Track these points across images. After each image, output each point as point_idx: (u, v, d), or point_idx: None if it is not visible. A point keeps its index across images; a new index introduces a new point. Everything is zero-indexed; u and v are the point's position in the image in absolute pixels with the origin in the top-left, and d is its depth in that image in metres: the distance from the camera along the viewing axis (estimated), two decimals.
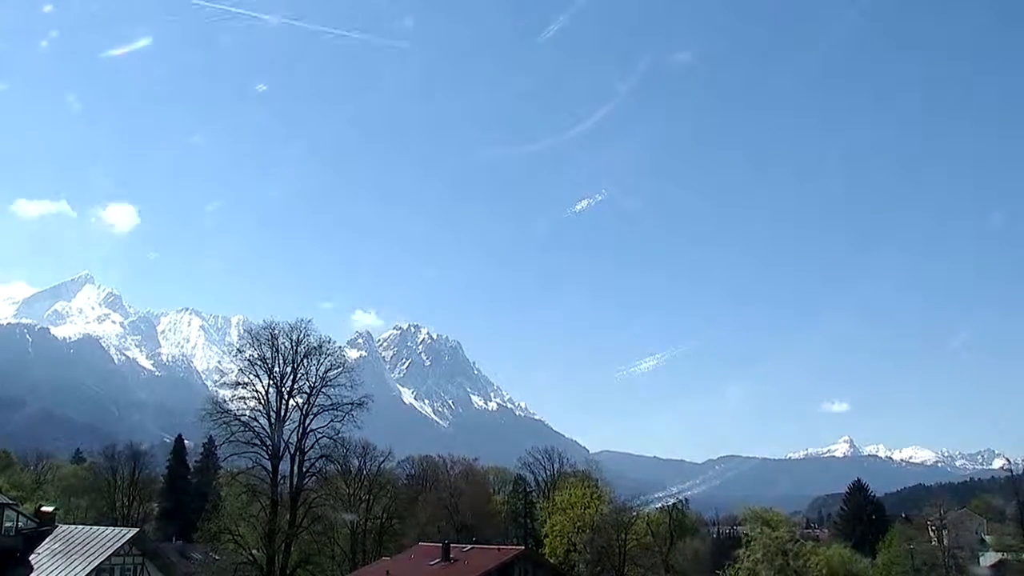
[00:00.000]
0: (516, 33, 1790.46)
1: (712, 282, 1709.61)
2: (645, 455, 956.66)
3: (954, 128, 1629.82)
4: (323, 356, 59.20)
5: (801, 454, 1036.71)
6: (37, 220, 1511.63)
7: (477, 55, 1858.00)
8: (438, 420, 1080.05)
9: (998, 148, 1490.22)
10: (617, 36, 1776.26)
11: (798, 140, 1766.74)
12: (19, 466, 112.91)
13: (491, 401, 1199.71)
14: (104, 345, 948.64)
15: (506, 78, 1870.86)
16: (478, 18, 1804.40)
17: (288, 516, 57.37)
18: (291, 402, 58.13)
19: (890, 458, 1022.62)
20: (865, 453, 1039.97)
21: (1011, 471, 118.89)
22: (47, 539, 44.98)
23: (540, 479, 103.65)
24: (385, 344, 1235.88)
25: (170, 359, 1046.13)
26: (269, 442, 56.90)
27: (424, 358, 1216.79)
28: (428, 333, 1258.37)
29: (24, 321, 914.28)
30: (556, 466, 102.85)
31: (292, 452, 57.77)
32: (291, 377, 57.95)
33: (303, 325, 59.08)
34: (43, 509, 50.64)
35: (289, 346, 58.03)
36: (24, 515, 47.89)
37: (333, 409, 58.24)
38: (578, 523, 76.08)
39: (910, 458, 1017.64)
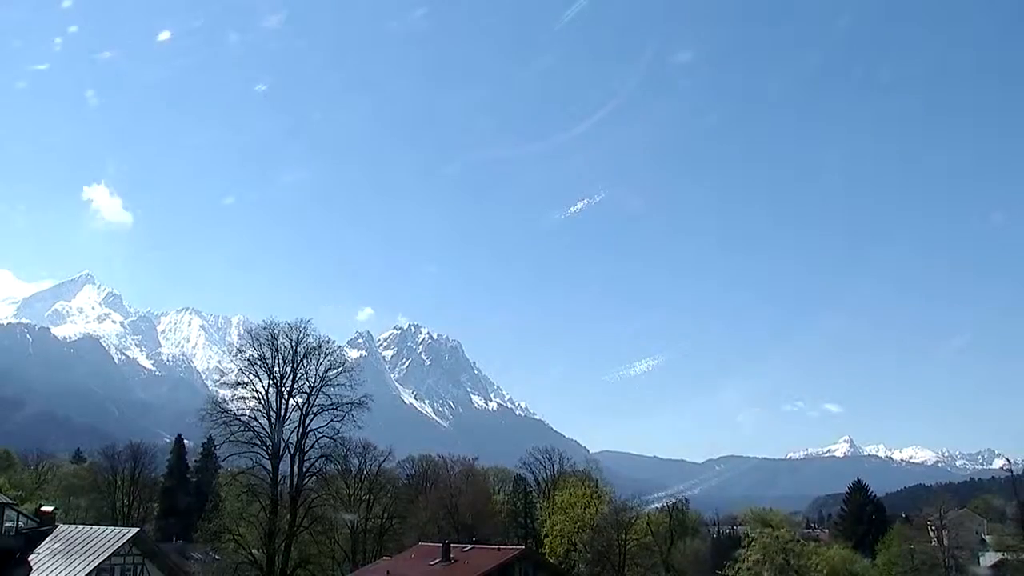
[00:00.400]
0: (517, 33, 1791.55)
1: (713, 282, 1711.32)
2: (645, 455, 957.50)
3: (954, 128, 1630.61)
4: (323, 356, 59.39)
5: (801, 454, 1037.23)
6: (37, 220, 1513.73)
7: (478, 55, 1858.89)
8: (438, 420, 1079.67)
9: (998, 148, 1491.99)
10: (618, 36, 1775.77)
11: (798, 140, 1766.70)
12: (19, 466, 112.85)
13: (491, 401, 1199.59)
14: (104, 345, 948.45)
15: (507, 78, 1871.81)
16: (479, 19, 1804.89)
17: (288, 516, 57.37)
18: (291, 402, 58.23)
19: (890, 458, 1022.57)
20: (865, 453, 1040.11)
21: (1011, 471, 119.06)
22: (47, 539, 44.91)
23: (540, 479, 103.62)
24: (385, 344, 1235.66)
25: (170, 359, 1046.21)
26: (269, 442, 56.92)
27: (424, 358, 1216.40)
28: (428, 333, 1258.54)
29: (24, 321, 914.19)
30: (556, 466, 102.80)
31: (292, 452, 57.79)
32: (291, 377, 58.01)
33: (303, 325, 59.33)
34: (43, 509, 50.54)
35: (289, 346, 58.13)
36: (24, 515, 47.85)
37: (333, 409, 58.27)
38: (578, 523, 76.14)
39: (910, 458, 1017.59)
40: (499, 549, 56.13)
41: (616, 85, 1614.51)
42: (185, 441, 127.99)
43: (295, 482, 57.83)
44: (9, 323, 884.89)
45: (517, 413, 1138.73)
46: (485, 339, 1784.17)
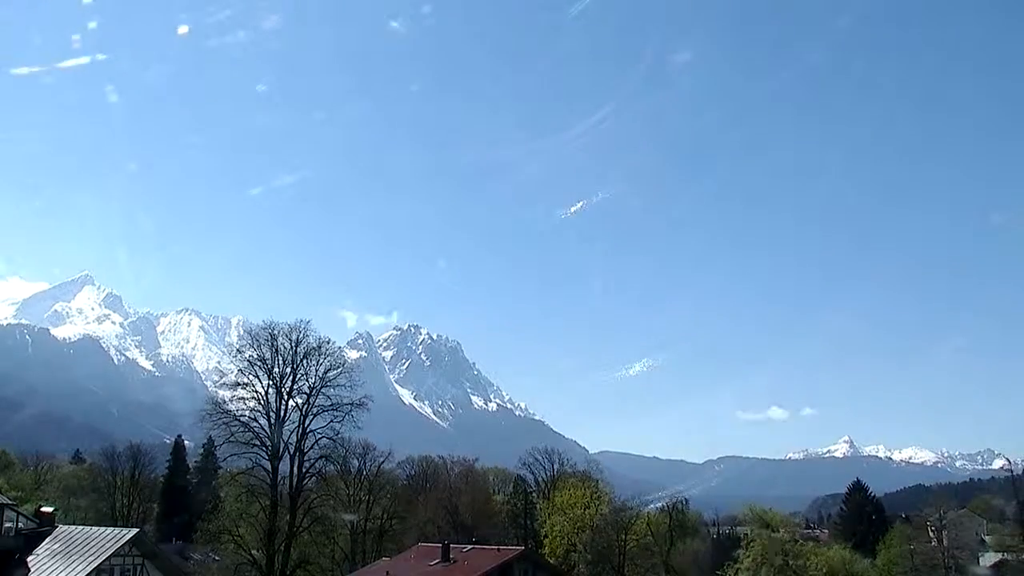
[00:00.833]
0: (518, 34, 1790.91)
1: (713, 282, 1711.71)
2: (645, 455, 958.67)
3: (954, 129, 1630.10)
4: (322, 356, 59.46)
5: (801, 454, 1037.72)
6: (38, 219, 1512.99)
7: (479, 55, 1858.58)
8: (438, 421, 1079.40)
9: (998, 150, 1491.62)
10: (618, 35, 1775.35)
11: (798, 140, 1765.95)
12: (19, 466, 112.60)
13: (491, 401, 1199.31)
14: (104, 345, 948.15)
15: (508, 78, 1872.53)
16: (480, 18, 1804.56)
17: (288, 516, 57.37)
18: (291, 402, 58.24)
19: (890, 458, 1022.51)
20: (865, 453, 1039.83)
21: (1011, 471, 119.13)
22: (47, 540, 44.85)
23: (540, 479, 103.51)
24: (385, 344, 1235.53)
25: (170, 360, 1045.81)
26: (269, 442, 56.93)
27: (424, 358, 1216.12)
28: (428, 333, 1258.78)
29: (24, 321, 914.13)
30: (556, 466, 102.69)
31: (292, 452, 57.82)
32: (291, 377, 58.05)
33: (302, 326, 59.40)
34: (43, 509, 50.46)
35: (288, 347, 58.17)
36: (24, 515, 47.79)
37: (333, 409, 58.33)
38: (578, 523, 76.10)
39: (910, 458, 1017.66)
40: (499, 550, 56.06)
41: (616, 85, 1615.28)
42: (185, 442, 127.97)
43: (295, 483, 57.86)
44: (9, 324, 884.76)
45: (517, 413, 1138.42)
46: (485, 339, 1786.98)
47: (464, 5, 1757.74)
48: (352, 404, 58.06)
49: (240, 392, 57.73)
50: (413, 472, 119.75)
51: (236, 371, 58.92)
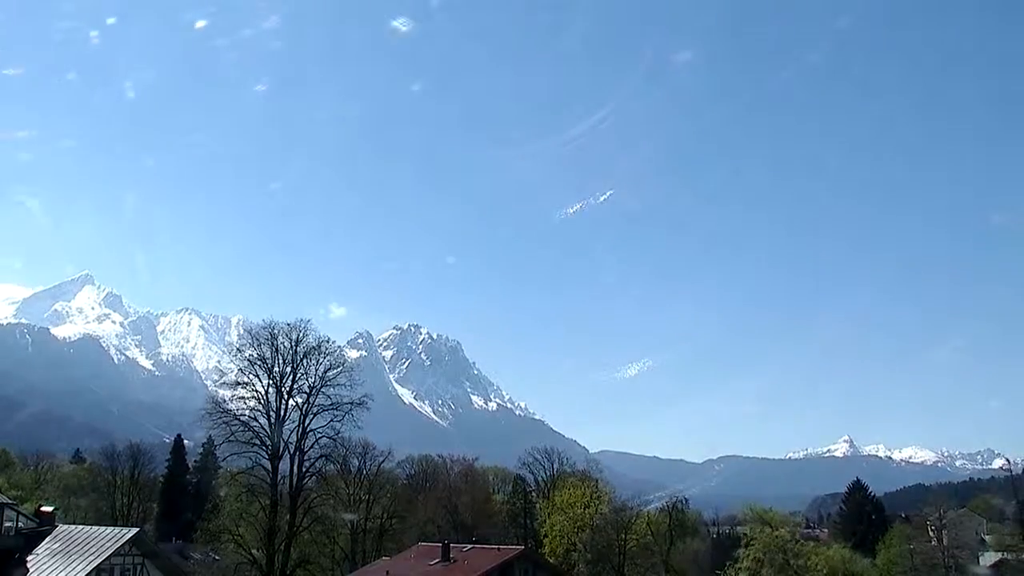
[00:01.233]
0: (518, 34, 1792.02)
1: (713, 282, 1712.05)
2: (645, 455, 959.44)
3: (954, 130, 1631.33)
4: (322, 356, 59.43)
5: (801, 454, 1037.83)
6: (38, 219, 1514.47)
7: (479, 55, 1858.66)
8: (438, 420, 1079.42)
9: (998, 151, 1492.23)
10: (618, 35, 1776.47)
11: (798, 140, 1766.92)
12: (19, 466, 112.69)
13: (491, 401, 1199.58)
14: (104, 345, 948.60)
15: (508, 79, 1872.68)
16: (480, 18, 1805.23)
17: (288, 516, 57.38)
18: (291, 402, 58.22)
19: (890, 458, 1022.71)
20: (865, 453, 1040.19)
21: (1011, 471, 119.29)
22: (47, 539, 44.84)
23: (540, 479, 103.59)
24: (385, 344, 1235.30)
25: (170, 359, 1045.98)
26: (269, 442, 56.92)
27: (424, 358, 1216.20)
28: (428, 333, 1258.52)
29: (24, 321, 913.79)
30: (556, 466, 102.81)
31: (292, 452, 57.82)
32: (291, 377, 58.02)
33: (302, 325, 59.35)
34: (43, 509, 50.45)
35: (288, 346, 58.13)
36: (24, 515, 47.77)
37: (333, 409, 58.28)
38: (578, 523, 76.10)
39: (910, 458, 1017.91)
40: (499, 549, 56.11)
41: (617, 86, 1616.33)
42: (185, 441, 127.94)
43: (295, 482, 57.86)
44: (9, 323, 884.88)
45: (517, 413, 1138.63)
46: (485, 339, 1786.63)
47: (464, 5, 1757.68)
48: (352, 403, 58.02)
49: (240, 391, 57.79)
50: (413, 472, 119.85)
51: (236, 370, 58.98)
